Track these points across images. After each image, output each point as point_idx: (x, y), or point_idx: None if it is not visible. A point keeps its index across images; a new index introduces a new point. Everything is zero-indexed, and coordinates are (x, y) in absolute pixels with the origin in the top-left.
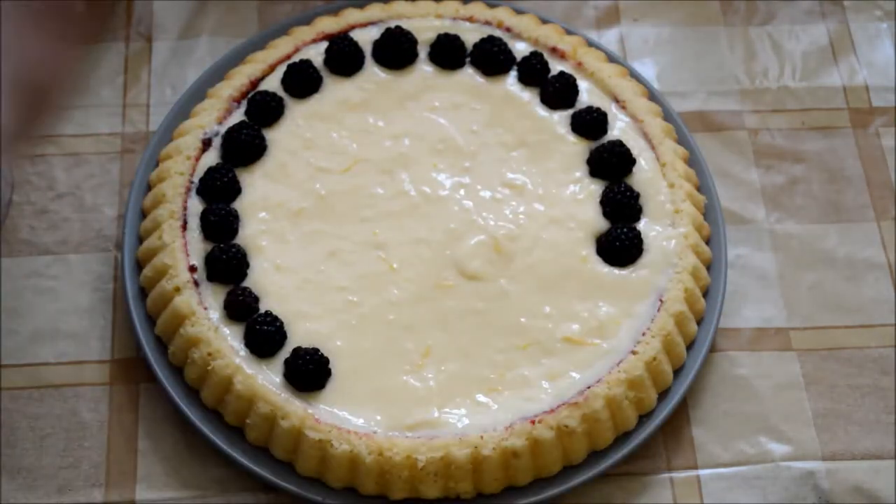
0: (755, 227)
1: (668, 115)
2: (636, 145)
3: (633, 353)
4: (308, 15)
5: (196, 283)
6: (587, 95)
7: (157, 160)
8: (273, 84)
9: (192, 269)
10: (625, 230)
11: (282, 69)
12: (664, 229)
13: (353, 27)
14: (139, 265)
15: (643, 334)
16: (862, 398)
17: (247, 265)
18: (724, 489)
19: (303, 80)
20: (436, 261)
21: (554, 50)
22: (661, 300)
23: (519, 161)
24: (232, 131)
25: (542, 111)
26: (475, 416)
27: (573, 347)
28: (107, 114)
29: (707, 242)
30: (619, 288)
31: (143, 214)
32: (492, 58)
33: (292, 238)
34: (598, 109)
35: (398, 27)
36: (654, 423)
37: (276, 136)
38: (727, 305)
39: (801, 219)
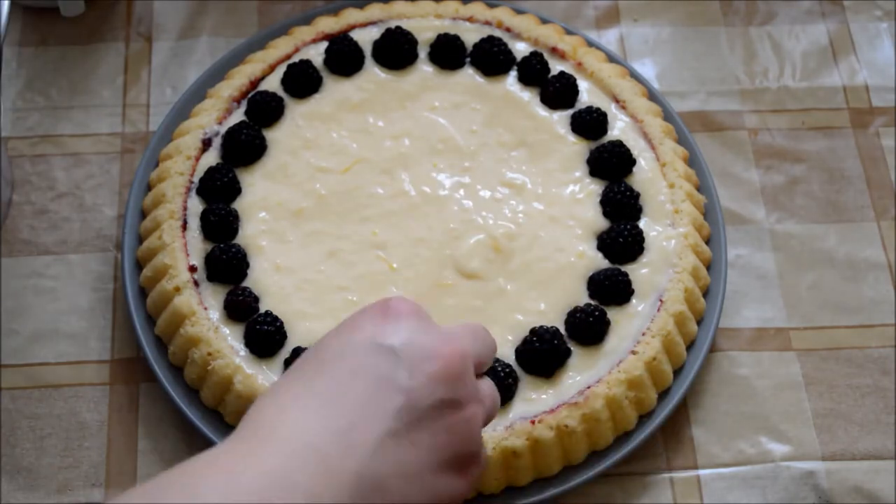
0: (755, 227)
1: (668, 115)
2: (636, 145)
3: (633, 352)
4: (308, 15)
5: (196, 283)
6: (587, 95)
7: (157, 160)
8: (273, 84)
9: (192, 269)
10: (627, 226)
11: (282, 69)
12: (664, 229)
13: (352, 27)
14: (139, 265)
15: (643, 334)
16: (862, 398)
17: (247, 265)
18: (724, 489)
19: (303, 80)
20: (435, 260)
21: (554, 50)
22: (661, 300)
23: (519, 161)
24: (232, 131)
25: (542, 111)
26: None
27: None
28: (107, 114)
29: (707, 242)
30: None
31: (143, 214)
32: (492, 58)
33: (292, 238)
34: (598, 109)
35: (398, 27)
36: (654, 423)
37: (276, 136)
38: (727, 305)
39: (801, 219)
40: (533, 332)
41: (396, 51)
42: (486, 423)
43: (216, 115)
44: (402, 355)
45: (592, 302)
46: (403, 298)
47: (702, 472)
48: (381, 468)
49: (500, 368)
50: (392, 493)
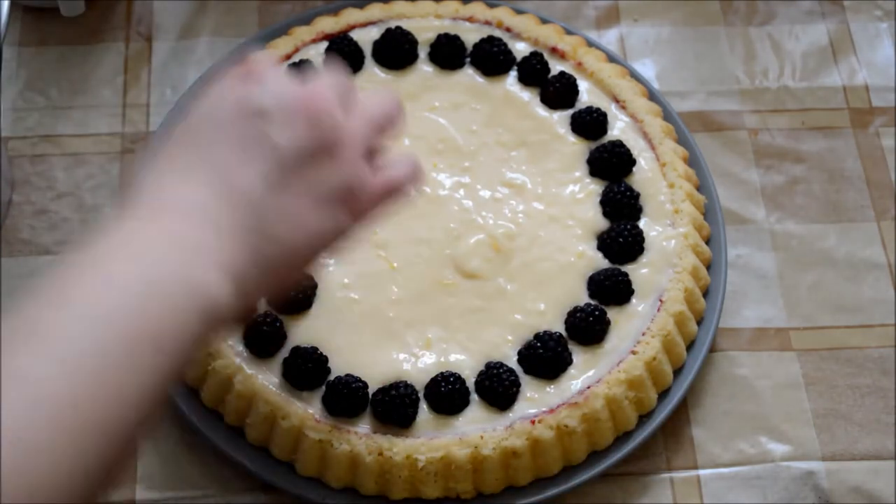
0: (755, 227)
1: (668, 115)
2: (636, 145)
3: (633, 352)
4: (308, 15)
5: None
6: (587, 95)
7: None
8: None
9: None
10: (628, 227)
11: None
12: (664, 229)
13: (352, 27)
14: None
15: (643, 334)
16: (862, 398)
17: None
18: (724, 489)
19: None
20: (435, 260)
21: (554, 50)
22: (661, 300)
23: (519, 161)
24: None
25: (542, 111)
26: None
27: (571, 346)
28: (107, 114)
29: (707, 242)
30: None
31: None
32: (492, 58)
33: None
34: (598, 109)
35: (398, 27)
36: (654, 423)
37: None
38: (727, 305)
39: (801, 219)
40: (537, 336)
41: (396, 51)
42: (372, 150)
43: None
44: (268, 114)
45: (592, 302)
46: (262, 58)
47: (702, 472)
48: (267, 217)
49: (502, 372)
50: (281, 239)
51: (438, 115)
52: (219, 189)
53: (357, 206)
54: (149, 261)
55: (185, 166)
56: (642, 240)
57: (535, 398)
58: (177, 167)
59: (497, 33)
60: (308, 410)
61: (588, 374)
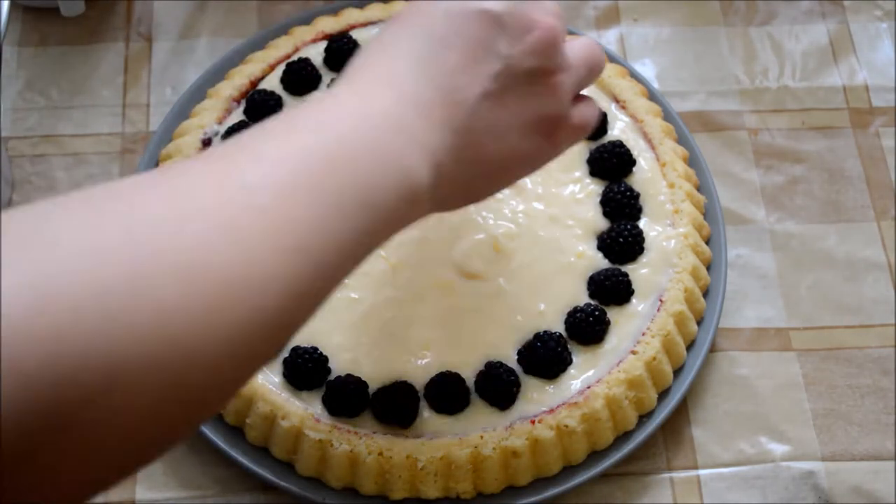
0: (755, 227)
1: (668, 115)
2: (636, 145)
3: (633, 352)
4: (308, 15)
5: None
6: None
7: (157, 160)
8: (273, 83)
9: None
10: (628, 227)
11: (282, 69)
12: (664, 229)
13: (353, 27)
14: None
15: (643, 334)
16: (862, 398)
17: None
18: (724, 489)
19: (302, 77)
20: (436, 260)
21: None
22: (661, 300)
23: None
24: (232, 131)
25: None
26: None
27: (571, 346)
28: (107, 114)
29: (707, 242)
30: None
31: None
32: None
33: None
34: (598, 109)
35: None
36: (654, 423)
37: None
38: (727, 305)
39: (801, 219)
40: (537, 336)
41: None
42: (579, 88)
43: (216, 114)
44: (504, 23)
45: (592, 302)
46: None
47: (702, 472)
48: (477, 125)
49: (502, 372)
50: (484, 150)
51: None
52: (441, 83)
53: (556, 138)
54: (365, 126)
55: (413, 50)
56: (642, 240)
57: (535, 398)
58: (407, 49)
59: None
60: (308, 410)
61: (588, 374)
